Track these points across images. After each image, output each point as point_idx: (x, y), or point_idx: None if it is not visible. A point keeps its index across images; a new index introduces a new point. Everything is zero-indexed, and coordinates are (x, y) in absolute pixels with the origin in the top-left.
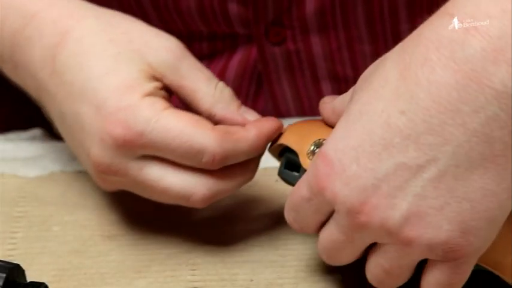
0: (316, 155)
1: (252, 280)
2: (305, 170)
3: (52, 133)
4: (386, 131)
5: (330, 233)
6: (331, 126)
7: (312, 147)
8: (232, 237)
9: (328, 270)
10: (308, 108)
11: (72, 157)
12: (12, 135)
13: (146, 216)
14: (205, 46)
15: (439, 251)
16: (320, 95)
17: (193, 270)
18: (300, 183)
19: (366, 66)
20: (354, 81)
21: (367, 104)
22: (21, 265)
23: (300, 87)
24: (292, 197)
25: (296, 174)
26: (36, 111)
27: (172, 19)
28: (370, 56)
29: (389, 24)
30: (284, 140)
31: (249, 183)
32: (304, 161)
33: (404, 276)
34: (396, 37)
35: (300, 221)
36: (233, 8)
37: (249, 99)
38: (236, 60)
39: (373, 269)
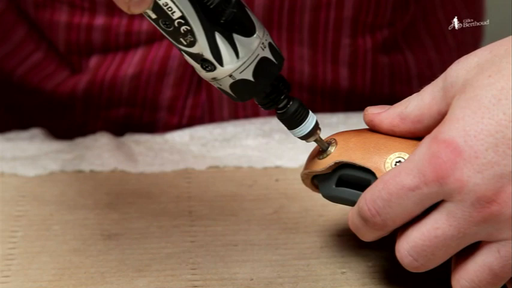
0: (430, 142)
1: (252, 279)
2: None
3: (51, 132)
4: None
5: (434, 227)
6: (394, 135)
7: (394, 163)
8: (233, 236)
9: (328, 269)
10: (241, 107)
11: (72, 157)
12: (11, 135)
13: (146, 215)
14: (145, 23)
15: None
16: None
17: (194, 269)
18: (400, 172)
19: (301, 70)
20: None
21: (506, 90)
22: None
23: None
24: (385, 185)
25: (356, 191)
26: (34, 110)
27: None
28: (307, 60)
29: (332, 36)
30: (346, 158)
31: (250, 183)
32: None
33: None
34: (336, 48)
35: (387, 213)
36: None
37: (191, 92)
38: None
39: (475, 272)
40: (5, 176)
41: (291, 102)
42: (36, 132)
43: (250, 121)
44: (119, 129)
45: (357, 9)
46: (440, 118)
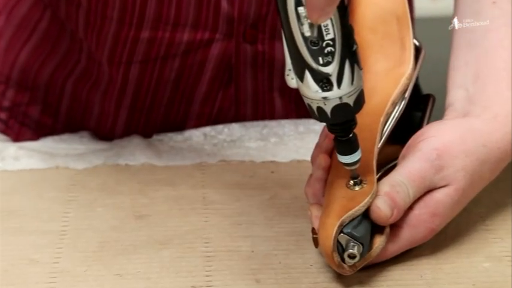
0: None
1: (252, 251)
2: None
3: (96, 135)
4: None
5: None
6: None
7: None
8: (237, 217)
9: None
10: (261, 106)
11: (112, 154)
12: (65, 136)
13: (169, 200)
14: (186, 34)
15: None
16: (272, 93)
17: (207, 243)
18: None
19: None
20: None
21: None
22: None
23: (258, 82)
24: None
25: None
26: (83, 117)
27: (168, 5)
28: None
29: None
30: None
31: (251, 174)
32: None
33: None
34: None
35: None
36: (224, 6)
37: (222, 86)
38: (215, 52)
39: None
40: (59, 169)
41: (351, 135)
42: (84, 134)
43: (252, 124)
44: (158, 125)
45: None
46: None
